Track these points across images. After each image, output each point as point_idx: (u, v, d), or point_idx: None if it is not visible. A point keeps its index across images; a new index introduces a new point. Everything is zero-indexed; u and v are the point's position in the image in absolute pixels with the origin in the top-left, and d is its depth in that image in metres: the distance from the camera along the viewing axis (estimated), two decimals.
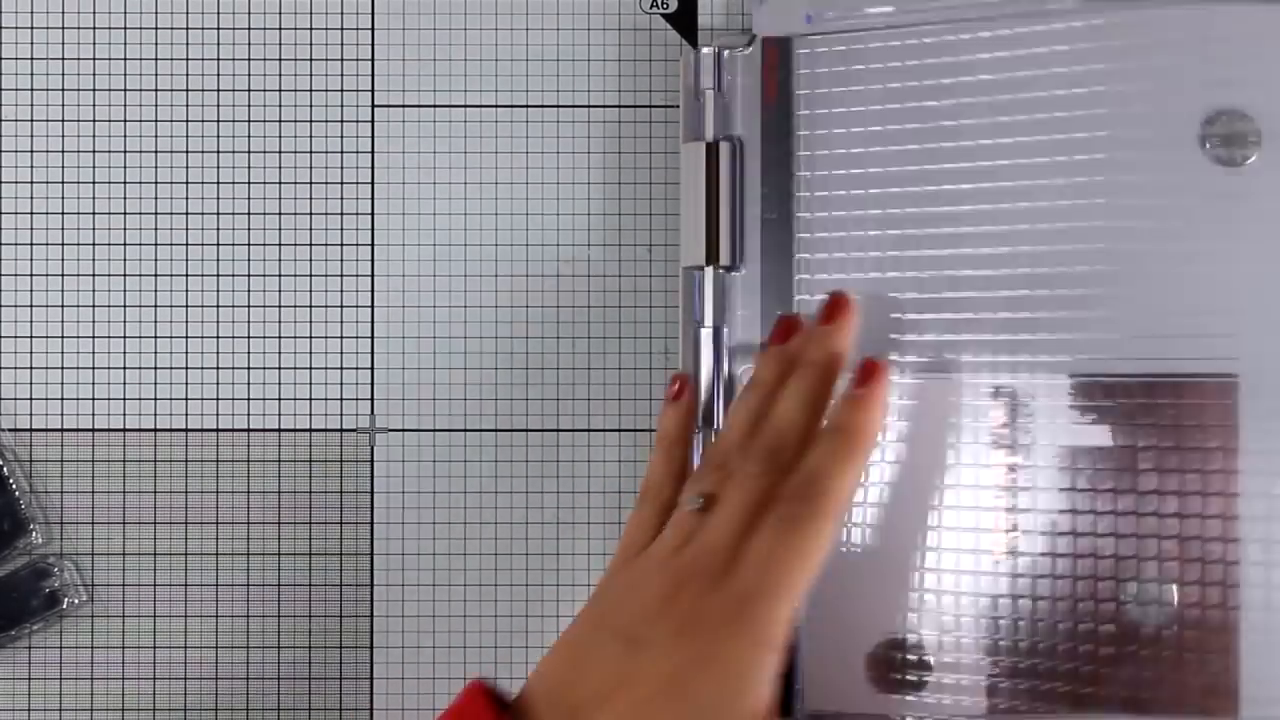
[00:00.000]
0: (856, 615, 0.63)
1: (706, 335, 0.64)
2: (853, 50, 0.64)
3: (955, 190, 0.63)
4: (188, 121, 0.67)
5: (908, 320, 0.63)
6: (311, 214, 0.66)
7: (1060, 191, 0.62)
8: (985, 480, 0.62)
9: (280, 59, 0.67)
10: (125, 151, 0.67)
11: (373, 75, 0.67)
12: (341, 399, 0.66)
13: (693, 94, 0.65)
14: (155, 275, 0.66)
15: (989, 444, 0.62)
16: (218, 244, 0.66)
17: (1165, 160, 0.62)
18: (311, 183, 0.66)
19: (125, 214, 0.66)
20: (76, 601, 0.66)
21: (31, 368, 0.66)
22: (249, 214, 0.66)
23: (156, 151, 0.67)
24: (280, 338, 0.66)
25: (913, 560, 0.62)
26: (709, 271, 0.64)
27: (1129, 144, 0.62)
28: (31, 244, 0.66)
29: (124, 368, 0.67)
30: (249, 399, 0.66)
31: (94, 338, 0.66)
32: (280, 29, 0.66)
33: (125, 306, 0.66)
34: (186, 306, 0.66)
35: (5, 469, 0.65)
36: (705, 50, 0.65)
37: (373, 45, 0.67)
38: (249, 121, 0.66)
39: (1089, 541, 0.62)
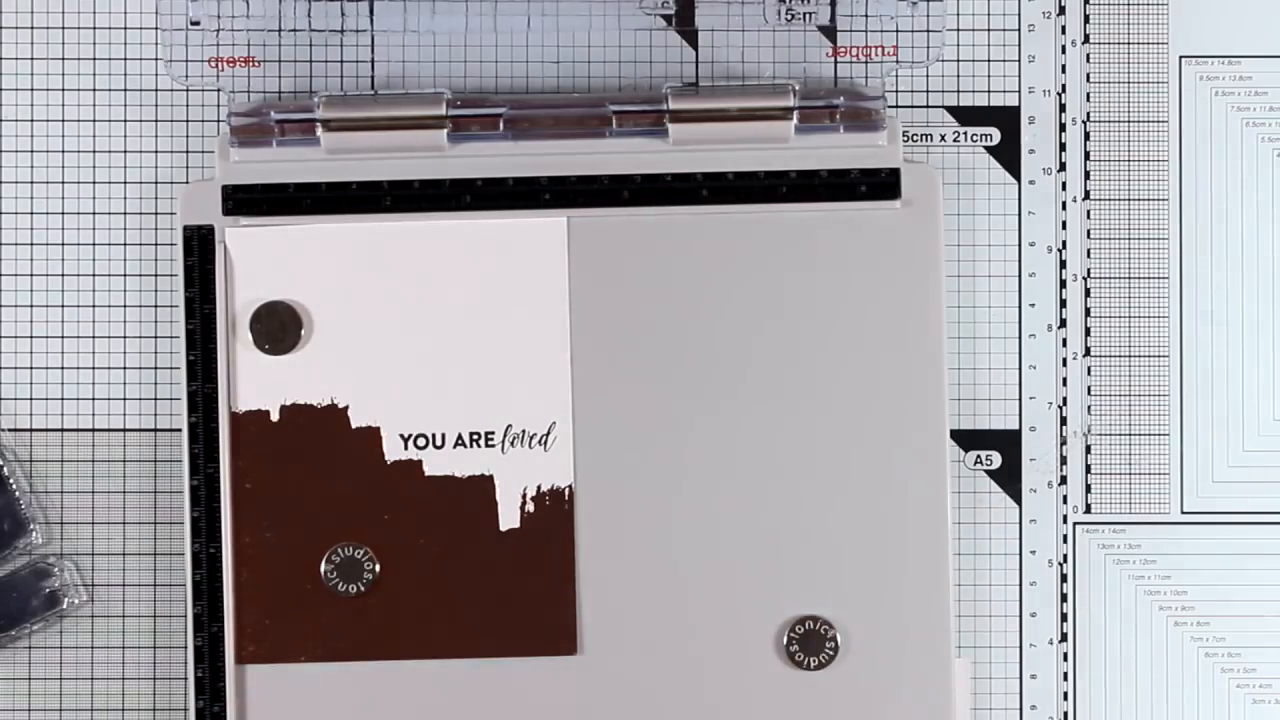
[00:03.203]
0: None
1: None
2: None
3: None
4: (188, 121, 0.67)
5: None
6: None
7: None
8: None
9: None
10: (125, 151, 0.67)
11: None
12: None
13: None
14: (156, 275, 0.66)
15: None
16: None
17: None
18: None
19: (125, 214, 0.66)
20: (76, 601, 0.66)
21: (31, 368, 0.66)
22: None
23: (157, 151, 0.67)
24: None
25: None
26: None
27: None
28: (32, 244, 0.66)
29: (124, 368, 0.67)
30: None
31: (94, 338, 0.66)
32: (280, 29, 0.66)
33: (125, 306, 0.66)
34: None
35: (5, 469, 0.65)
36: None
37: (373, 47, 0.67)
38: None
39: None
